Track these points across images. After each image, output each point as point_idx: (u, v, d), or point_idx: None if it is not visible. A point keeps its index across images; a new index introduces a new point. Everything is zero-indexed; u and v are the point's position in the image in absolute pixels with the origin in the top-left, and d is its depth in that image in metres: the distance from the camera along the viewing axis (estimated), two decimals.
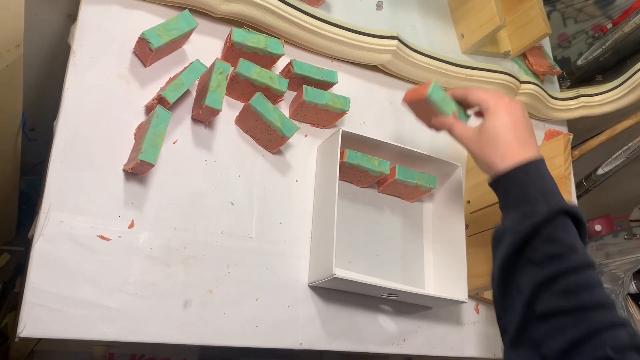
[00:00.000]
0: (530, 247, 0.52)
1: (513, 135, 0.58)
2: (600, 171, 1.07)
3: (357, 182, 0.75)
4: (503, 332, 0.54)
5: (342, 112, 0.73)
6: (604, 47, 1.02)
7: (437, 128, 0.69)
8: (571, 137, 0.95)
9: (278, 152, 0.72)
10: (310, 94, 0.70)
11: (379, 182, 0.77)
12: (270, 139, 0.69)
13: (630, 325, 0.49)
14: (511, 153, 0.57)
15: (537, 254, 0.52)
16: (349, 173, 0.73)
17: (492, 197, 0.79)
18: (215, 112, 0.63)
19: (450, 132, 0.64)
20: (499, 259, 0.54)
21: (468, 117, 0.66)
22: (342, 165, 0.70)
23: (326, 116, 0.74)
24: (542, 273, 0.50)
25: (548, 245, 0.52)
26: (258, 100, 0.65)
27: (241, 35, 0.67)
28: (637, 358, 0.46)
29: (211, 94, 0.62)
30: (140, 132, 0.60)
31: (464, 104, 0.66)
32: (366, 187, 0.77)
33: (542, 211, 0.53)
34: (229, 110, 0.70)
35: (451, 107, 0.65)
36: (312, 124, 0.75)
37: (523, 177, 0.56)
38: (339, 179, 0.68)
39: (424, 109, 0.67)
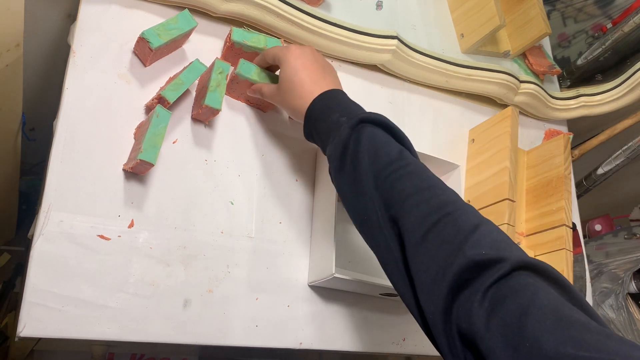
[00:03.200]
0: (346, 164, 0.53)
1: (304, 75, 0.60)
2: (600, 171, 1.07)
3: None
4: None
5: None
6: (603, 46, 1.02)
7: (253, 99, 0.70)
8: (571, 136, 0.95)
9: (278, 151, 0.72)
10: (245, 68, 0.68)
11: None
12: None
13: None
14: (306, 91, 0.59)
15: (356, 171, 0.52)
16: None
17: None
18: (215, 111, 0.63)
19: (262, 96, 0.66)
20: (343, 186, 0.55)
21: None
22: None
23: None
24: (371, 172, 0.51)
25: (354, 155, 0.52)
26: (243, 67, 0.66)
27: (241, 35, 0.67)
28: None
29: (211, 93, 0.62)
30: (140, 132, 0.60)
31: (272, 68, 0.68)
32: None
33: (345, 129, 0.54)
34: (229, 110, 0.70)
35: (263, 78, 0.67)
36: (247, 102, 0.73)
37: (321, 107, 0.58)
38: None
39: (241, 87, 0.68)
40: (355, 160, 0.52)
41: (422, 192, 0.48)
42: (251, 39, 0.68)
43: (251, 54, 0.69)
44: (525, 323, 0.36)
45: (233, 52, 0.68)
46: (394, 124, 0.56)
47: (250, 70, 0.66)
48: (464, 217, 0.45)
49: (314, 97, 0.59)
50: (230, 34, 0.67)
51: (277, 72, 0.68)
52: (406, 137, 0.56)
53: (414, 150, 0.56)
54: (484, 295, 0.39)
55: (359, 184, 0.52)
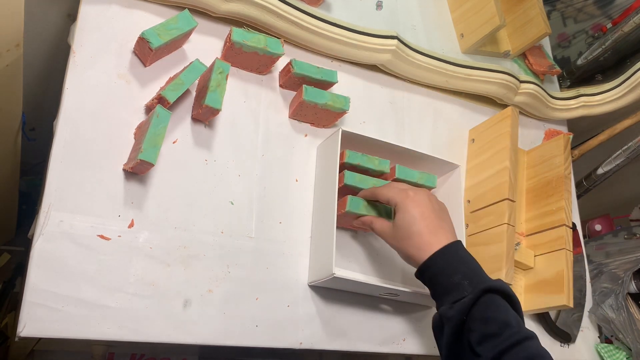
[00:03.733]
0: (466, 331, 0.54)
1: (422, 226, 0.60)
2: (600, 171, 1.07)
3: None
4: None
5: (342, 112, 0.73)
6: (603, 46, 1.02)
7: (360, 228, 0.71)
8: (571, 136, 0.95)
9: (278, 151, 0.72)
10: (310, 93, 0.70)
11: None
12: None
13: None
14: (424, 243, 0.60)
15: (473, 338, 0.53)
16: None
17: (492, 196, 0.80)
18: (215, 111, 0.63)
19: (372, 231, 0.67)
20: (443, 349, 0.56)
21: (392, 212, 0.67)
22: (342, 165, 0.70)
23: (326, 116, 0.74)
24: (484, 356, 0.52)
25: (481, 325, 0.53)
26: (352, 204, 0.67)
27: (241, 35, 0.67)
28: None
29: (211, 93, 0.62)
30: (140, 132, 0.60)
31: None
32: None
33: (469, 293, 0.55)
34: (229, 110, 0.70)
35: (369, 211, 0.68)
36: (312, 124, 0.75)
37: (442, 265, 0.59)
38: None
39: (347, 218, 0.69)
40: (473, 326, 0.54)
41: None
42: (251, 39, 0.68)
43: (251, 54, 0.69)
44: None
45: (233, 52, 0.68)
46: (512, 292, 0.57)
47: (359, 206, 0.67)
48: None
49: (433, 251, 0.59)
50: (230, 34, 0.67)
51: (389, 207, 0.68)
52: (520, 306, 0.58)
53: (523, 317, 0.58)
54: None
55: (473, 348, 0.54)
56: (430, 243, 0.59)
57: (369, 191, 0.67)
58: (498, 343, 0.52)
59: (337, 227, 0.70)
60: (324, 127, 0.76)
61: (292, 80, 0.73)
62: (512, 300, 0.57)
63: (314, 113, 0.73)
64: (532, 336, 0.54)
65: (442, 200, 0.78)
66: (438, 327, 0.58)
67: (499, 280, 0.58)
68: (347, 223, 0.71)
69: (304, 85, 0.70)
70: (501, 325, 0.53)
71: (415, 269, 0.61)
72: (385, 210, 0.69)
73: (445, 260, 0.59)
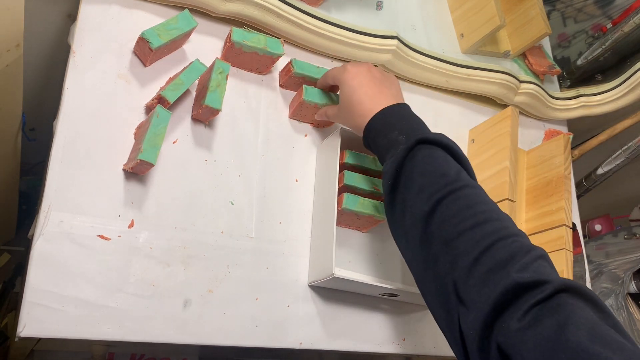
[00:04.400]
0: (402, 187, 0.53)
1: (361, 93, 0.61)
2: (600, 171, 1.07)
3: None
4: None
5: None
6: (603, 46, 1.02)
7: (320, 122, 0.74)
8: (571, 136, 0.95)
9: (278, 151, 0.72)
10: (310, 93, 0.70)
11: None
12: (260, 62, 0.71)
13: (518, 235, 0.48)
14: (366, 109, 0.60)
15: (410, 192, 0.52)
16: None
17: (492, 196, 0.79)
18: (215, 111, 0.63)
19: (328, 118, 0.69)
20: (385, 206, 0.56)
21: None
22: (342, 165, 0.70)
23: None
24: (421, 210, 0.51)
25: (418, 178, 0.52)
26: (308, 92, 0.68)
27: (241, 35, 0.67)
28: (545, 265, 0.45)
29: (211, 93, 0.62)
30: (140, 132, 0.60)
31: (334, 89, 0.71)
32: None
33: (402, 148, 0.54)
34: (229, 110, 0.70)
35: (326, 100, 0.70)
36: (312, 124, 0.75)
37: (381, 124, 0.59)
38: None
39: (241, 57, 0.70)
40: (408, 181, 0.53)
41: (476, 216, 0.49)
42: (251, 39, 0.68)
43: (251, 54, 0.69)
44: (562, 335, 0.38)
45: (233, 52, 0.68)
46: (454, 143, 0.56)
47: (315, 95, 0.69)
48: (515, 244, 0.47)
49: (373, 114, 0.59)
50: (230, 34, 0.67)
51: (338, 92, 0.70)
52: (465, 157, 0.56)
53: (472, 171, 0.56)
54: (524, 313, 0.41)
55: (410, 204, 0.52)
56: (371, 109, 0.60)
57: (320, 80, 0.70)
58: (433, 192, 0.50)
59: (337, 227, 0.70)
60: (324, 127, 0.76)
61: (292, 80, 0.73)
62: (452, 152, 0.55)
63: (314, 113, 0.73)
64: (473, 185, 0.52)
65: None
66: (384, 186, 0.56)
67: (440, 134, 0.56)
68: (307, 118, 0.73)
69: (304, 85, 0.70)
70: (438, 176, 0.51)
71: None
72: (382, 207, 0.68)
73: (384, 120, 0.58)
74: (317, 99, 0.70)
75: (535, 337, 0.39)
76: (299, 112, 0.73)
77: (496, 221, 0.49)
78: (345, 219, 0.70)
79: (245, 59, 0.70)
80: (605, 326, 0.39)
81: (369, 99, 0.61)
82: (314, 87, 0.71)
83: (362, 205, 0.68)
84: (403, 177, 0.53)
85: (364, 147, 0.63)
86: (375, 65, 0.69)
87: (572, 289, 0.42)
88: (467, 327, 0.45)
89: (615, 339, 0.37)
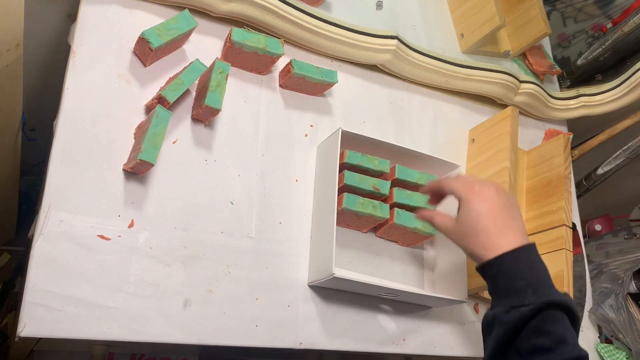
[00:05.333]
0: (519, 339, 0.51)
1: (489, 223, 0.56)
2: (600, 171, 1.07)
3: None
4: None
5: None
6: (603, 46, 1.02)
7: (422, 220, 0.69)
8: (571, 136, 0.95)
9: (278, 151, 0.72)
10: (402, 217, 0.70)
11: None
12: (260, 62, 0.71)
13: None
14: (490, 242, 0.56)
15: (524, 346, 0.51)
16: None
17: None
18: (215, 111, 0.63)
19: (432, 224, 0.64)
20: (489, 349, 0.54)
21: None
22: (342, 165, 0.70)
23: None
24: None
25: (536, 337, 0.51)
26: (237, 34, 0.67)
27: (241, 35, 0.67)
28: None
29: (211, 93, 0.62)
30: (140, 132, 0.60)
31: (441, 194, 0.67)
32: None
33: (530, 303, 0.52)
34: (229, 110, 0.70)
35: (365, 207, 0.68)
36: (400, 244, 0.76)
37: (509, 267, 0.54)
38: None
39: (241, 57, 0.70)
40: (532, 343, 0.51)
41: None
42: (251, 39, 0.68)
43: (251, 54, 0.69)
44: None
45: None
46: (576, 309, 0.54)
47: (355, 203, 0.67)
48: None
49: (501, 253, 0.55)
50: (230, 34, 0.67)
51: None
52: (580, 323, 0.56)
53: (578, 331, 0.55)
54: None
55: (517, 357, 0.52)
56: (498, 243, 0.55)
57: (436, 182, 0.65)
58: (550, 357, 0.50)
59: (337, 227, 0.70)
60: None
61: (292, 80, 0.73)
62: (573, 317, 0.53)
63: (299, 84, 0.73)
64: (585, 356, 0.51)
65: (442, 202, 0.78)
66: (488, 326, 0.55)
67: (566, 294, 0.54)
68: (346, 223, 0.71)
69: (395, 209, 0.70)
70: (557, 340, 0.50)
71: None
72: (382, 207, 0.69)
73: (513, 264, 0.54)
74: (409, 223, 0.70)
75: None
76: (230, 57, 0.70)
77: None
78: (345, 219, 0.70)
79: (245, 59, 0.70)
80: None
81: (496, 232, 0.56)
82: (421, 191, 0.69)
83: (362, 205, 0.68)
84: (524, 331, 0.52)
85: (475, 270, 0.59)
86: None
87: None
88: None
89: None
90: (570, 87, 1.07)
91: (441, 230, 0.62)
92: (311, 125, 0.76)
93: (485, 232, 0.56)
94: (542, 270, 0.55)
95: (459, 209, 0.59)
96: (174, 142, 0.64)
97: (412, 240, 0.75)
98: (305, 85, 0.75)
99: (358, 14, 0.84)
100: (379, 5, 0.87)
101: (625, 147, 1.02)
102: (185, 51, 0.69)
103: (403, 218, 0.71)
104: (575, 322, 0.54)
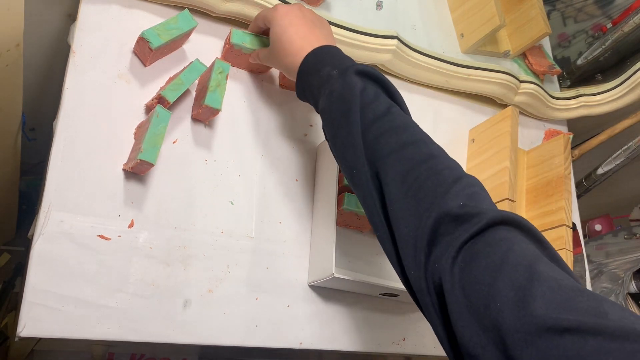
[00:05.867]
0: (337, 117, 0.52)
1: (293, 33, 0.59)
2: (600, 171, 1.07)
3: None
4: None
5: None
6: (603, 46, 1.02)
7: (256, 67, 0.71)
8: (571, 136, 0.95)
9: (278, 151, 0.72)
10: (238, 36, 0.68)
11: None
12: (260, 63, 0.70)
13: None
14: (297, 48, 0.58)
15: (333, 115, 0.52)
16: None
17: (492, 196, 0.79)
18: (215, 111, 0.63)
19: (260, 60, 0.66)
20: (339, 126, 0.53)
21: None
22: None
23: None
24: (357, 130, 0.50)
25: (346, 107, 0.51)
26: (236, 36, 0.67)
27: (240, 37, 0.67)
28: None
29: (211, 93, 0.62)
30: (140, 132, 0.60)
31: (266, 32, 0.68)
32: None
33: (336, 81, 0.53)
34: (229, 110, 0.70)
35: (257, 44, 0.68)
36: (247, 70, 0.73)
37: (313, 63, 0.57)
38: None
39: (239, 57, 0.69)
40: (346, 113, 0.52)
41: (405, 148, 0.48)
42: (250, 41, 0.68)
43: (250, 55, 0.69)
44: (496, 280, 0.35)
45: (233, 53, 0.68)
46: (386, 78, 0.55)
47: (244, 39, 0.67)
48: (446, 171, 0.45)
49: (306, 54, 0.58)
50: (229, 35, 0.67)
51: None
52: (397, 92, 0.55)
53: (405, 106, 0.56)
54: (458, 251, 0.38)
55: (349, 137, 0.51)
56: (302, 47, 0.58)
57: (252, 24, 0.68)
58: (368, 117, 0.50)
59: (337, 227, 0.69)
60: (260, 73, 0.75)
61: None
62: (385, 86, 0.54)
63: (247, 59, 0.71)
64: (401, 113, 0.52)
65: None
66: (324, 129, 0.56)
67: (371, 66, 0.55)
68: (242, 64, 0.71)
69: (232, 29, 0.68)
70: (373, 110, 0.51)
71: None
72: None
73: (317, 59, 0.57)
74: (247, 43, 0.68)
75: (469, 282, 0.36)
76: (231, 59, 0.70)
77: (425, 149, 0.47)
78: (345, 219, 0.70)
79: (245, 60, 0.70)
80: (545, 264, 0.36)
81: (299, 38, 0.59)
82: (246, 30, 0.69)
83: (251, 42, 0.67)
84: (340, 108, 0.52)
85: (298, 97, 0.61)
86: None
87: (509, 221, 0.39)
88: (407, 267, 0.43)
89: (555, 279, 0.34)
90: (570, 87, 1.07)
91: (265, 60, 0.65)
92: (311, 125, 0.76)
93: (290, 40, 0.59)
94: (347, 58, 0.57)
95: (270, 32, 0.62)
96: (174, 142, 0.64)
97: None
98: None
99: (358, 14, 0.84)
100: (379, 5, 0.87)
101: (625, 147, 1.02)
102: (185, 51, 0.69)
103: (351, 203, 0.69)
104: (388, 91, 0.54)
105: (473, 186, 0.43)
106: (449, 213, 0.40)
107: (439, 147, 0.49)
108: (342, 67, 0.55)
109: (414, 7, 0.92)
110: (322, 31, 0.62)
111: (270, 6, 0.70)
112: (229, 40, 0.67)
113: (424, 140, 0.49)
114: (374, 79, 0.54)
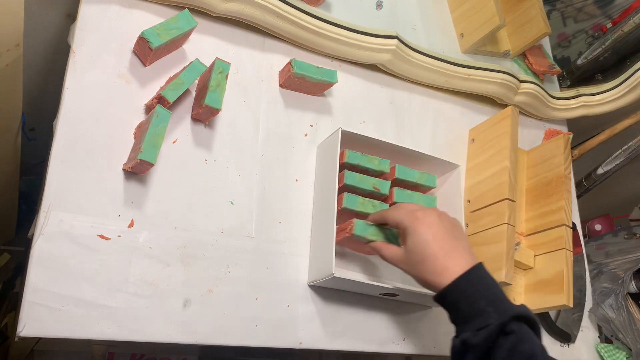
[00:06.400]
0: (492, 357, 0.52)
1: (438, 250, 0.57)
2: (600, 170, 1.07)
3: None
4: None
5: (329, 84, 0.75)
6: (603, 46, 1.02)
7: (367, 251, 0.69)
8: (571, 136, 0.95)
9: (278, 151, 0.72)
10: (360, 228, 0.65)
11: None
12: (315, 87, 0.74)
13: None
14: (441, 267, 0.57)
15: None
16: None
17: (492, 196, 0.79)
18: (215, 111, 0.63)
19: (381, 256, 0.64)
20: None
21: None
22: (342, 165, 0.70)
23: (314, 87, 0.75)
24: None
25: (509, 356, 0.51)
26: (359, 227, 0.64)
27: (362, 229, 0.64)
28: None
29: (211, 93, 0.62)
30: (140, 132, 0.60)
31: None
32: None
33: (495, 320, 0.53)
34: (229, 110, 0.70)
35: (377, 235, 0.65)
36: (359, 252, 0.73)
37: (465, 291, 0.56)
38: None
39: (355, 242, 0.67)
40: (502, 356, 0.52)
41: None
42: (372, 233, 0.65)
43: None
44: None
45: (350, 240, 0.66)
46: (536, 318, 0.55)
47: (367, 230, 0.65)
48: None
49: (453, 276, 0.56)
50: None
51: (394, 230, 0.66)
52: (539, 327, 0.56)
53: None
54: None
55: None
56: (448, 267, 0.56)
57: (378, 214, 0.66)
58: None
59: (346, 249, 0.69)
60: (314, 94, 0.77)
61: (292, 80, 0.73)
62: (535, 327, 0.55)
63: (360, 245, 0.69)
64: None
65: (441, 200, 0.78)
66: (459, 354, 0.55)
67: (523, 305, 0.56)
68: (355, 246, 0.70)
69: (355, 220, 0.65)
70: (527, 357, 0.51)
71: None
72: (392, 233, 0.66)
73: (468, 287, 0.56)
74: (369, 235, 0.65)
75: None
76: (345, 243, 0.68)
77: None
78: (345, 219, 0.70)
79: (360, 245, 0.68)
80: None
81: (444, 256, 0.57)
82: (366, 220, 0.66)
83: (362, 205, 0.68)
84: (495, 351, 0.52)
85: (434, 300, 0.59)
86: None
87: None
88: None
89: None
90: (570, 87, 1.07)
91: (391, 261, 0.62)
92: (311, 125, 0.76)
93: (434, 257, 0.57)
94: (496, 286, 0.57)
95: (405, 238, 0.60)
96: (173, 142, 0.64)
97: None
98: (305, 85, 0.75)
99: (358, 13, 0.84)
100: (379, 5, 0.87)
101: (625, 147, 1.02)
102: (185, 51, 0.69)
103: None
104: (538, 331, 0.55)
105: None
106: None
107: None
108: (499, 306, 0.54)
109: (413, 7, 0.92)
110: (462, 243, 0.59)
111: (275, 8, 0.70)
112: (350, 229, 0.64)
113: None
114: (530, 322, 0.54)
